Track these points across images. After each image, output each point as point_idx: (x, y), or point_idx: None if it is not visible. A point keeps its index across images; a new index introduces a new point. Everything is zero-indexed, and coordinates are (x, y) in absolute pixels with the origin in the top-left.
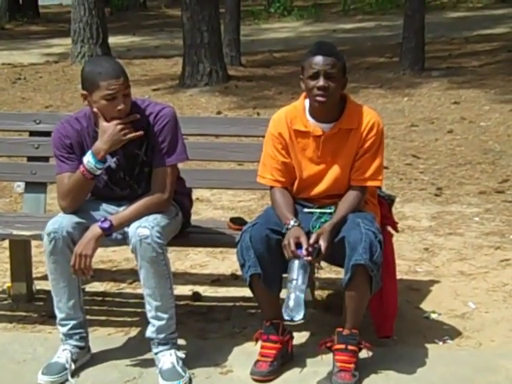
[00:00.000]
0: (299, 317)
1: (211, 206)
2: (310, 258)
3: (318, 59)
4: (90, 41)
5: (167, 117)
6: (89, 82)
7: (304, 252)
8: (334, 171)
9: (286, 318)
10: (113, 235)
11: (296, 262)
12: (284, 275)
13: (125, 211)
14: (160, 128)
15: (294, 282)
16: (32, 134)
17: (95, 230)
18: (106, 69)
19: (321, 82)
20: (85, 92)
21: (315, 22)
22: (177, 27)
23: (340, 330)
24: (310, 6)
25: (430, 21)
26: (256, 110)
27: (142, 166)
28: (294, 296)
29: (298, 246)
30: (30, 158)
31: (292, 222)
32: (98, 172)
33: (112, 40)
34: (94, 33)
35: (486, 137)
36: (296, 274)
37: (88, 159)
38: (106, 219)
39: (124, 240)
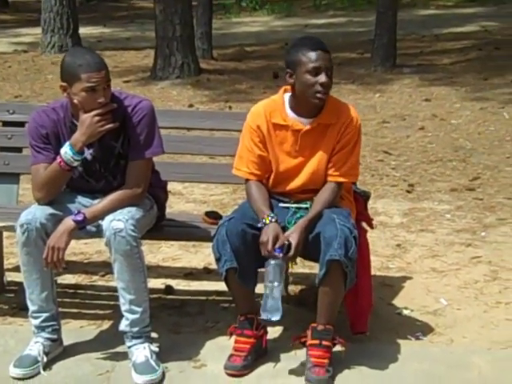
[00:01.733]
0: (277, 318)
1: (183, 199)
2: (281, 255)
3: (320, 54)
4: (61, 31)
5: (144, 110)
6: (69, 73)
7: (281, 254)
8: (311, 166)
9: (264, 318)
10: (87, 228)
11: (272, 263)
12: (260, 270)
13: (98, 204)
14: (137, 121)
15: (270, 283)
16: (5, 124)
17: (68, 222)
18: (87, 61)
19: (323, 78)
20: (64, 84)
21: (287, 16)
22: (147, 19)
23: (314, 325)
24: (282, 1)
25: (401, 18)
26: (228, 103)
27: (118, 158)
28: (271, 297)
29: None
30: (3, 149)
31: (269, 218)
32: (76, 163)
33: (83, 31)
34: (64, 23)
35: (456, 134)
36: (273, 274)
37: (65, 150)
38: (79, 212)
39: (98, 233)
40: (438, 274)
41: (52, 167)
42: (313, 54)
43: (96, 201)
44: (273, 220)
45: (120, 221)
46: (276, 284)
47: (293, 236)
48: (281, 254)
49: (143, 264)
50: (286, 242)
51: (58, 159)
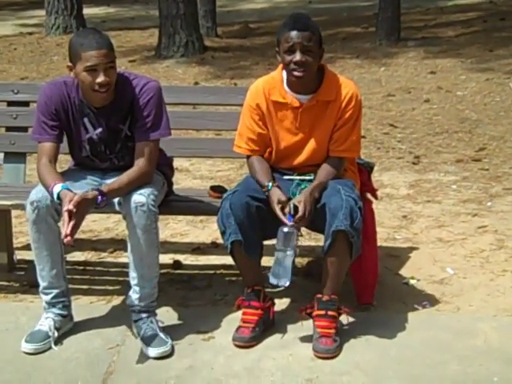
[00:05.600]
0: (284, 283)
1: (190, 176)
2: (291, 222)
3: (294, 33)
4: (65, 12)
5: (152, 91)
6: (73, 53)
7: (291, 221)
8: (312, 142)
9: (272, 282)
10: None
11: (284, 230)
12: (265, 242)
13: (114, 183)
14: (145, 102)
15: (281, 250)
16: (10, 104)
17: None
18: (89, 40)
19: (297, 56)
20: (70, 64)
21: None
22: None
23: (319, 296)
24: None
25: None
26: (233, 80)
27: (126, 140)
28: (281, 263)
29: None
30: (9, 128)
31: (269, 185)
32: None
33: (87, 11)
34: (68, 4)
35: (462, 106)
36: (283, 241)
37: (57, 190)
38: (100, 193)
39: (110, 206)
40: (445, 244)
41: (44, 179)
42: (288, 34)
43: (108, 180)
44: (273, 185)
45: (142, 195)
46: (288, 251)
47: (298, 199)
48: (291, 222)
49: (158, 240)
50: (292, 205)
51: (51, 185)
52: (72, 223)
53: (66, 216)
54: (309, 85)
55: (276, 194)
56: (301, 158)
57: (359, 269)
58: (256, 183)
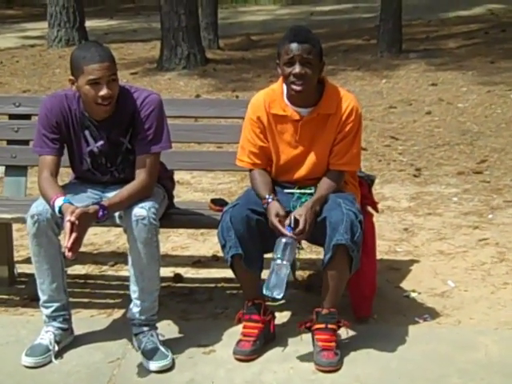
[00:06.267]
0: (278, 295)
1: (191, 189)
2: (291, 233)
3: (294, 46)
4: (67, 25)
5: (153, 104)
6: (75, 66)
7: (291, 232)
8: (313, 156)
9: (266, 293)
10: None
11: (282, 241)
12: (265, 256)
13: (115, 198)
14: (146, 115)
15: (278, 260)
16: (11, 117)
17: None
18: (91, 53)
19: (297, 68)
20: (72, 77)
21: (292, 4)
22: (153, 11)
23: (319, 309)
24: None
25: (407, 3)
26: (235, 92)
27: (127, 153)
28: (276, 274)
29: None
30: (10, 142)
31: (269, 199)
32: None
33: (89, 24)
34: (70, 16)
35: (463, 118)
36: (281, 251)
37: (58, 204)
38: (102, 207)
39: (110, 219)
40: (446, 257)
41: (45, 193)
42: (288, 47)
43: (109, 194)
44: (273, 199)
45: (142, 208)
46: (284, 262)
47: (299, 212)
48: (290, 233)
49: (159, 253)
50: (292, 218)
51: (52, 201)
52: (74, 236)
53: (67, 228)
54: (309, 98)
55: (274, 207)
56: (301, 172)
57: (357, 281)
58: (256, 196)
